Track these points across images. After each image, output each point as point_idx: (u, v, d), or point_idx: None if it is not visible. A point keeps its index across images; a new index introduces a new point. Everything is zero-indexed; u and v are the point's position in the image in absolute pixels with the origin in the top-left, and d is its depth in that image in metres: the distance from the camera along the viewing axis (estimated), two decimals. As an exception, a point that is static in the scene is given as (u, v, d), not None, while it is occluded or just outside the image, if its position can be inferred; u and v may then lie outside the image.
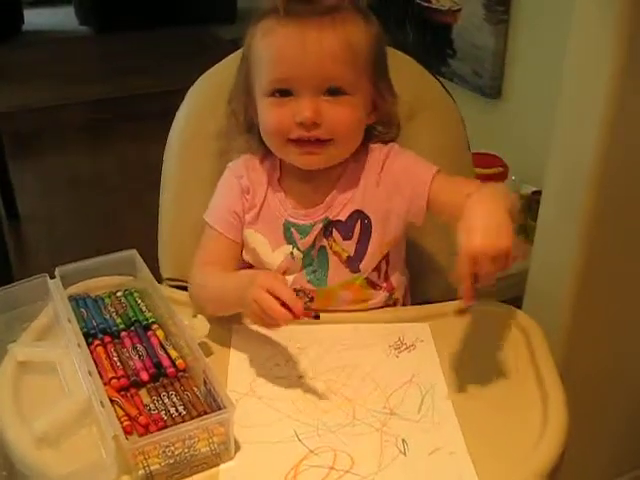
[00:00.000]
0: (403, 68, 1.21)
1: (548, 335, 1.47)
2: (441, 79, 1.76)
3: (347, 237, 1.08)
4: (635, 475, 1.75)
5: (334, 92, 1.00)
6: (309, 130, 1.00)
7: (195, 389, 0.91)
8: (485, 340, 1.04)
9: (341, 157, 1.06)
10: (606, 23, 1.18)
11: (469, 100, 2.08)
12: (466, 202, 0.92)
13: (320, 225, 1.08)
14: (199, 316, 1.00)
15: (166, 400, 0.89)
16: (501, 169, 1.81)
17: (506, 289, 1.80)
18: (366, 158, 1.09)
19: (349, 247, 1.08)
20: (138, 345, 0.98)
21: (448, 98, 1.24)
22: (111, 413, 0.82)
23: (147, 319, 1.02)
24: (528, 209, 1.89)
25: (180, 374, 0.94)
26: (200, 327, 0.98)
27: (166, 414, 0.87)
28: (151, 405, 0.89)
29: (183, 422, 0.85)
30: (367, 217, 1.08)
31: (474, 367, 0.98)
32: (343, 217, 1.08)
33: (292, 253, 1.08)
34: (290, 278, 1.08)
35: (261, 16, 1.03)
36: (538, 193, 1.50)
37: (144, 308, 1.05)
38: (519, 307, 1.57)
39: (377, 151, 1.10)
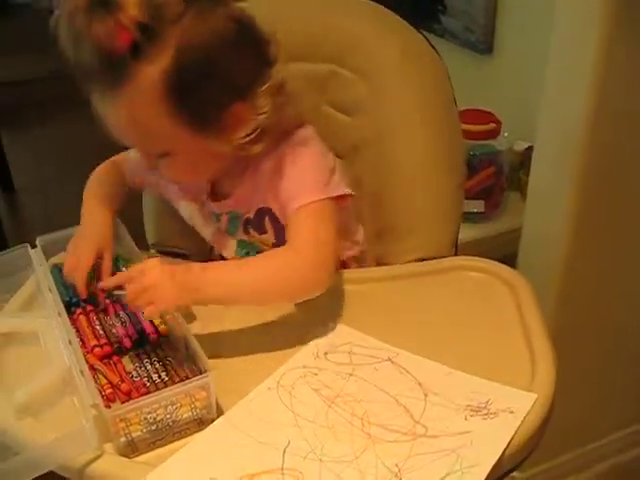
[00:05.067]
0: (388, 24, 1.19)
1: (542, 292, 1.48)
2: (433, 36, 1.75)
3: (262, 232, 1.07)
4: (635, 429, 1.75)
5: (157, 155, 0.96)
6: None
7: (177, 353, 0.89)
8: (469, 298, 1.02)
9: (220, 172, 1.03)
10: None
11: (461, 56, 2.05)
12: None
13: (227, 217, 1.08)
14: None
15: (149, 366, 0.88)
16: (494, 125, 1.79)
17: (500, 246, 1.81)
18: (270, 152, 1.00)
19: (269, 238, 1.07)
20: (121, 312, 0.97)
21: (433, 53, 1.21)
22: (90, 382, 0.81)
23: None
24: (521, 165, 1.87)
25: (163, 339, 0.92)
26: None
27: (149, 380, 0.86)
28: (134, 372, 0.88)
29: (165, 388, 0.84)
30: (272, 212, 1.04)
31: (458, 329, 0.96)
32: (251, 215, 1.06)
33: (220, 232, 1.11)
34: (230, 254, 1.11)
35: None
36: (532, 149, 1.47)
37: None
38: (513, 264, 1.58)
39: (283, 146, 1.00)
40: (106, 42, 0.83)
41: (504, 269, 1.05)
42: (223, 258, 1.14)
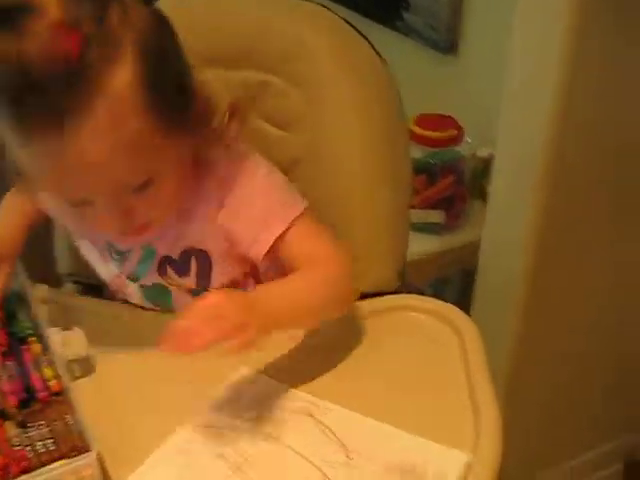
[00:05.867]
0: (329, 29, 1.07)
1: (503, 305, 1.40)
2: (395, 34, 1.63)
3: (183, 274, 0.93)
4: (601, 451, 1.66)
5: (137, 188, 0.78)
6: (124, 229, 0.82)
7: (67, 417, 0.77)
8: (410, 345, 0.91)
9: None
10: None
11: (423, 56, 1.94)
12: None
13: (140, 253, 0.93)
14: (75, 329, 0.86)
15: (34, 432, 0.76)
16: (455, 132, 1.68)
17: (462, 259, 1.70)
18: (202, 176, 0.88)
19: (188, 282, 0.94)
20: (10, 363, 0.85)
21: (378, 60, 1.09)
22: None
23: (24, 330, 0.88)
24: (485, 172, 1.76)
25: (54, 398, 0.80)
26: (76, 343, 0.84)
27: (32, 450, 0.74)
28: (15, 440, 0.76)
29: (51, 460, 0.72)
30: (204, 254, 0.92)
31: (393, 381, 0.85)
32: (175, 255, 0.92)
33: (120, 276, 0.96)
34: (132, 299, 0.97)
35: None
36: (496, 156, 1.37)
37: (23, 316, 0.91)
38: (473, 277, 1.48)
39: (221, 168, 0.88)
40: (50, 53, 0.66)
41: (453, 311, 0.93)
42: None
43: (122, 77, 0.71)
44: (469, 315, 1.48)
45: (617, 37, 1.18)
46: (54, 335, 0.83)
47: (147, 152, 0.76)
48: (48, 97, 0.67)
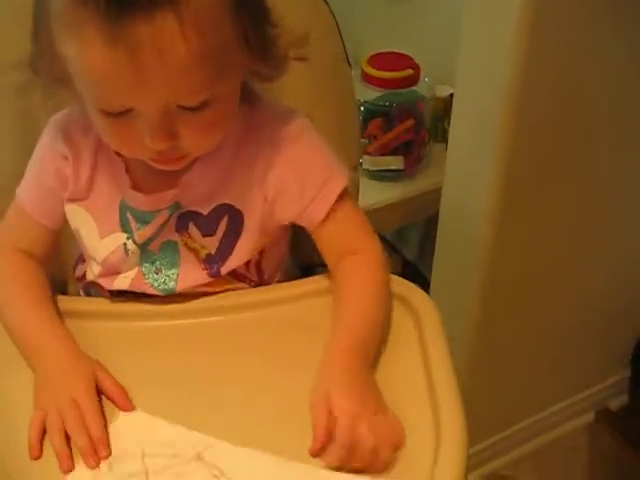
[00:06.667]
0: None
1: (468, 251, 1.32)
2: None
3: (208, 233, 0.83)
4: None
5: (192, 108, 0.71)
6: (164, 154, 0.73)
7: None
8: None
9: None
10: None
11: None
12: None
13: (166, 214, 0.82)
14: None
15: None
16: (411, 71, 1.56)
17: (424, 206, 1.62)
18: (247, 131, 0.81)
19: (210, 244, 0.83)
20: None
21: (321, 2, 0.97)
22: None
23: None
24: (446, 113, 1.66)
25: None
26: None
27: None
28: None
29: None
30: (238, 212, 0.82)
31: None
32: (204, 211, 0.82)
33: (126, 245, 0.83)
34: (125, 280, 0.84)
35: None
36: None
37: None
38: (435, 224, 1.40)
39: (268, 129, 0.82)
40: None
41: (409, 288, 0.83)
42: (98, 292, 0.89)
43: None
44: (431, 266, 1.45)
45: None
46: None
47: (220, 68, 0.70)
48: None
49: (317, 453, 0.66)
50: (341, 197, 0.82)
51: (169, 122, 0.70)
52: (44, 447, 0.69)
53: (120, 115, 0.71)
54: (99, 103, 0.71)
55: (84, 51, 0.67)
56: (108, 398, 0.73)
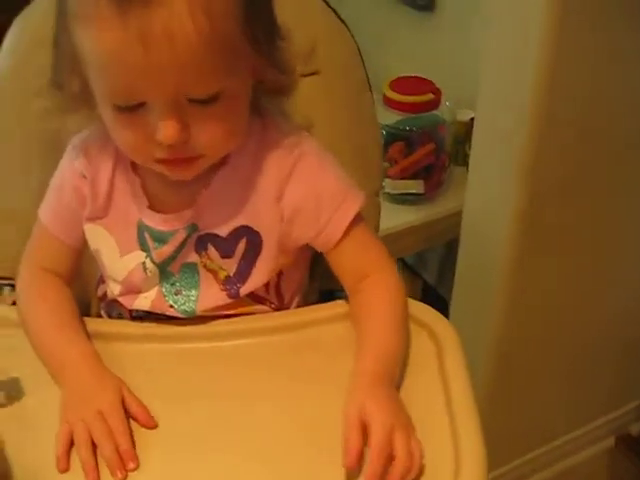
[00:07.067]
0: None
1: (488, 275, 1.32)
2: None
3: (227, 255, 0.83)
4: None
5: (202, 101, 0.72)
6: (175, 151, 0.73)
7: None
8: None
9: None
10: None
11: (399, 14, 1.82)
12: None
13: (183, 234, 0.82)
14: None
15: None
16: (432, 95, 1.57)
17: (444, 230, 1.62)
18: (262, 149, 0.82)
19: (228, 266, 0.83)
20: None
21: (344, 29, 0.98)
22: None
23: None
24: (467, 137, 1.66)
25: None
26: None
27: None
28: None
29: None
30: (257, 234, 0.83)
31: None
32: (223, 233, 0.83)
33: (144, 264, 0.83)
34: (146, 301, 0.84)
35: None
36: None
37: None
38: (455, 248, 1.40)
39: (282, 149, 0.82)
40: None
41: (428, 313, 0.83)
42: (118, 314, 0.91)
43: None
44: (451, 289, 1.44)
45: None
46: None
47: (229, 61, 0.71)
48: None
49: (352, 465, 0.65)
50: (356, 219, 0.82)
51: (179, 113, 0.71)
52: (71, 460, 0.70)
53: (132, 110, 0.71)
54: (112, 97, 0.72)
55: (98, 37, 0.68)
56: (131, 416, 0.74)
